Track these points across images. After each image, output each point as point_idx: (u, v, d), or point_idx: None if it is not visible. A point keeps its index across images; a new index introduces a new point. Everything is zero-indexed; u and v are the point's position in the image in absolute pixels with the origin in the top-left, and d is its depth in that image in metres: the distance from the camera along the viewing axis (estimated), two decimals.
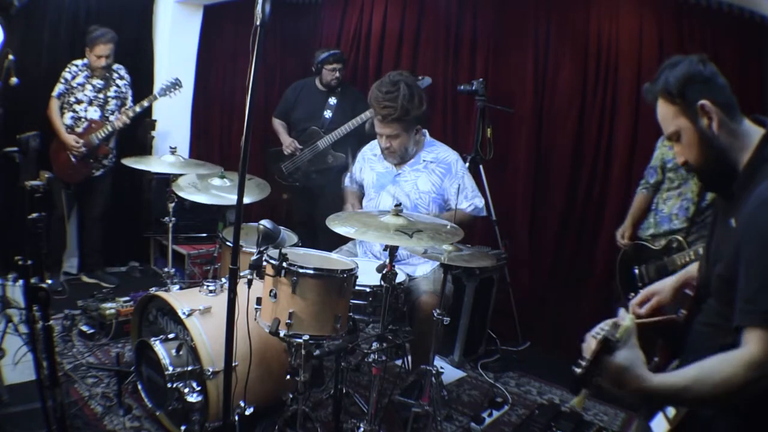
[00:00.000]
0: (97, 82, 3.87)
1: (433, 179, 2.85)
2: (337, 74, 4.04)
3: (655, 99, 1.32)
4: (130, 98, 4.02)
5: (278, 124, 4.26)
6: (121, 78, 3.98)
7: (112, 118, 3.89)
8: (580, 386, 1.05)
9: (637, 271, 2.96)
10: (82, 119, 3.86)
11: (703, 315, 1.34)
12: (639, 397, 1.11)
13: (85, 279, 4.22)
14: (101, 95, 3.90)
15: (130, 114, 3.86)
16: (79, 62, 3.85)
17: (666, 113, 1.30)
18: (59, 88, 3.81)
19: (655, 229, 3.01)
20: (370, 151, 3.09)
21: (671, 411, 1.34)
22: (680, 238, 2.86)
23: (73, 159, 3.85)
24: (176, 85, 3.83)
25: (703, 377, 1.08)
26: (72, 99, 3.83)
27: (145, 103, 3.86)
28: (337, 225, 2.17)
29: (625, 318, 1.14)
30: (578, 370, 1.04)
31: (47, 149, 3.81)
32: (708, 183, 1.38)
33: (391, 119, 2.71)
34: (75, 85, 3.82)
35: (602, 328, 1.19)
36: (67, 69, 3.83)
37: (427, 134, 2.96)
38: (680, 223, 2.90)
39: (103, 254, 4.29)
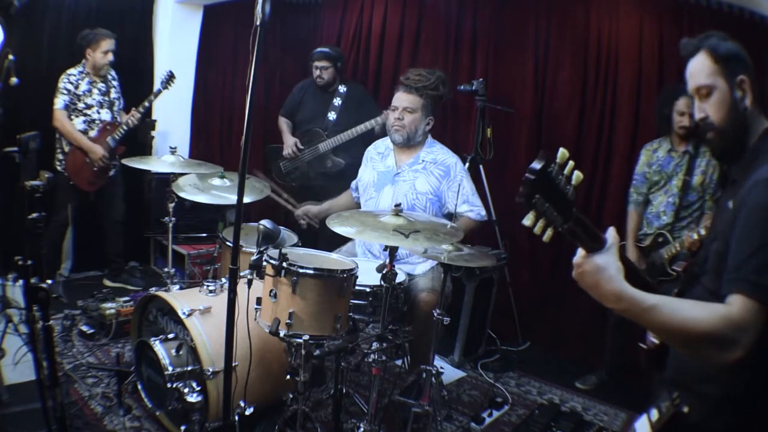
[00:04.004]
0: (101, 85, 3.87)
1: (431, 181, 2.85)
2: (320, 73, 3.93)
3: (695, 51, 1.36)
4: (122, 100, 4.05)
5: (283, 123, 4.20)
6: (114, 79, 3.99)
7: (123, 118, 3.91)
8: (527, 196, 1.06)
9: None
10: (96, 122, 3.85)
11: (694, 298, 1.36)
12: (612, 299, 1.13)
13: (109, 283, 4.15)
14: (106, 98, 3.91)
15: (141, 110, 3.88)
16: (74, 70, 3.75)
17: (704, 67, 1.34)
18: (63, 99, 3.70)
19: (647, 228, 3.09)
20: (375, 149, 3.10)
21: (654, 414, 1.33)
22: (666, 232, 2.95)
23: (94, 167, 3.84)
24: (172, 77, 3.87)
25: (675, 307, 1.11)
26: (81, 105, 3.79)
27: (152, 98, 3.89)
28: (337, 225, 2.17)
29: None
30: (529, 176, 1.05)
31: (52, 153, 3.81)
32: (722, 148, 1.39)
33: (419, 86, 2.85)
34: (81, 92, 3.77)
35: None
36: (64, 80, 3.71)
37: (430, 136, 2.98)
38: (668, 218, 2.99)
39: (124, 257, 4.30)
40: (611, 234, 1.18)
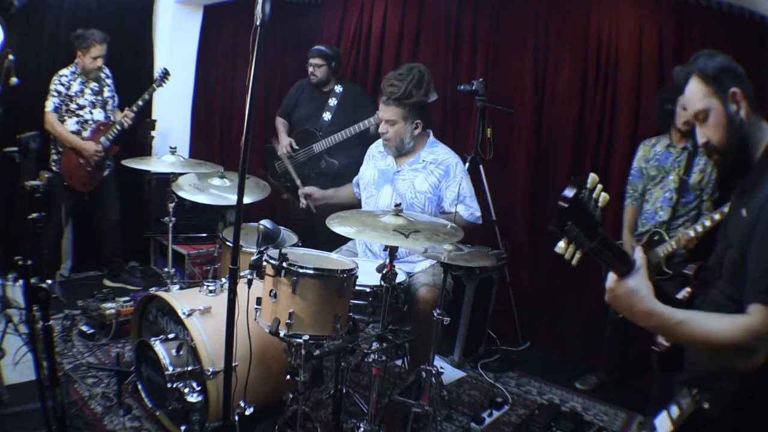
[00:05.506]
0: (93, 85, 3.86)
1: (431, 180, 2.85)
2: (313, 70, 3.93)
3: (687, 78, 1.40)
4: (116, 98, 4.04)
5: (279, 123, 4.19)
6: (108, 77, 3.98)
7: (117, 117, 3.90)
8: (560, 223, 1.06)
9: None
10: (89, 122, 3.85)
11: (708, 304, 1.38)
12: (644, 317, 1.20)
13: (109, 283, 4.14)
14: (99, 97, 3.90)
15: (135, 110, 3.87)
16: (66, 71, 3.76)
17: (697, 92, 1.38)
18: (53, 101, 3.70)
19: (642, 227, 3.08)
20: (376, 147, 3.11)
21: (675, 410, 1.35)
22: (662, 230, 2.93)
23: (88, 167, 3.83)
24: (166, 74, 3.87)
25: (701, 320, 1.20)
26: (74, 106, 3.79)
27: (146, 96, 3.88)
28: (337, 225, 2.17)
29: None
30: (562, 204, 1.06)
31: (48, 154, 3.80)
32: (726, 167, 1.42)
33: (394, 98, 2.75)
34: (73, 93, 3.77)
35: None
36: (56, 81, 3.71)
37: (431, 135, 2.98)
38: (665, 215, 2.96)
39: (123, 257, 4.30)
40: (639, 255, 1.23)
